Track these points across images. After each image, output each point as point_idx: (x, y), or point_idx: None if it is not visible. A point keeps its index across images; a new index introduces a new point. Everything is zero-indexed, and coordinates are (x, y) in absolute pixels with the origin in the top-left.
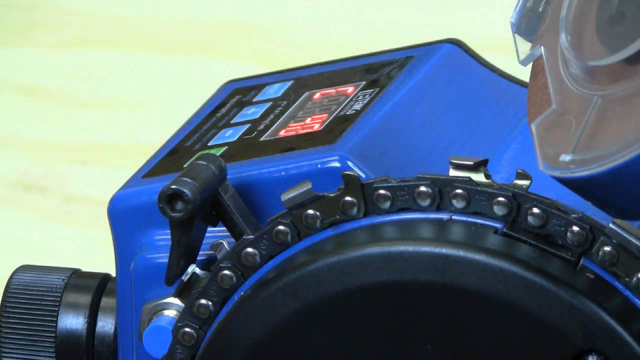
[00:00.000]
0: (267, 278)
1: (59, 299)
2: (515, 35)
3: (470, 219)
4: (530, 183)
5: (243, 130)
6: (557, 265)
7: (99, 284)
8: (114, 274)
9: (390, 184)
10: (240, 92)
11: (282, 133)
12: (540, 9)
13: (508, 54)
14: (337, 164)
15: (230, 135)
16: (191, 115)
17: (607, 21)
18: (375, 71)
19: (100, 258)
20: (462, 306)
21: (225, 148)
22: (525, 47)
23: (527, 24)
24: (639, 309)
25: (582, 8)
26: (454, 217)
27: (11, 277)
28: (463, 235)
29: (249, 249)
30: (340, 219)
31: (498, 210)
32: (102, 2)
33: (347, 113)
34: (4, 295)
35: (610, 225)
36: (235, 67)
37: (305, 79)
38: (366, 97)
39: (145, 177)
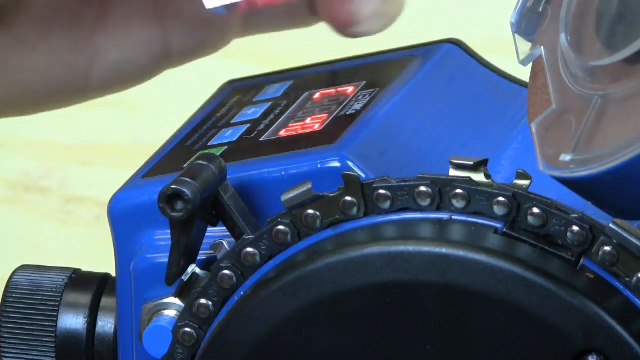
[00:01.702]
0: (267, 278)
1: (59, 299)
2: (515, 35)
3: (470, 219)
4: (530, 183)
5: (243, 130)
6: (557, 265)
7: (99, 284)
8: (114, 274)
9: (390, 184)
10: (240, 92)
11: (282, 133)
12: (540, 9)
13: (508, 54)
14: (337, 164)
15: (230, 135)
16: (191, 115)
17: (607, 21)
18: (375, 71)
19: (100, 258)
20: (462, 306)
21: (225, 148)
22: (525, 47)
23: (527, 24)
24: (639, 308)
25: (582, 8)
26: (454, 217)
27: (11, 277)
28: (463, 235)
29: (249, 249)
30: (340, 219)
31: (498, 210)
32: None
33: (347, 113)
34: (4, 295)
35: (611, 225)
36: (236, 67)
37: (305, 79)
38: (366, 97)
39: (145, 177)
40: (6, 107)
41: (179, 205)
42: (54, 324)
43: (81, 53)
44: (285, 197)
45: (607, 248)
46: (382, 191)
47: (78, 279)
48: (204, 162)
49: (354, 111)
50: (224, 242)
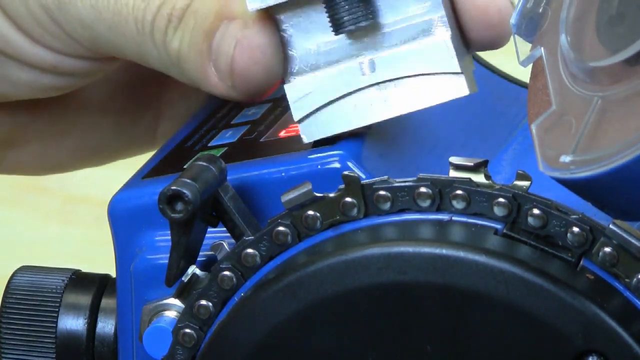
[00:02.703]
0: (267, 279)
1: (59, 300)
2: (516, 36)
3: (470, 220)
4: (531, 184)
5: (243, 131)
6: (557, 266)
7: (99, 285)
8: (114, 275)
9: (390, 185)
10: None
11: (283, 134)
12: (541, 10)
13: (508, 54)
14: (337, 165)
15: (230, 136)
16: (191, 116)
17: (607, 22)
18: None
19: (100, 258)
20: (462, 307)
21: (225, 149)
22: (525, 48)
23: (528, 25)
24: (639, 309)
25: (582, 9)
26: (454, 218)
27: (11, 278)
28: (463, 236)
29: (249, 250)
30: (340, 220)
31: (498, 211)
32: None
33: None
34: (5, 296)
35: (611, 226)
36: None
37: None
38: None
39: (145, 178)
40: (79, 161)
41: (179, 206)
42: (54, 325)
43: (147, 109)
44: (285, 198)
45: (607, 249)
46: (382, 192)
47: (78, 280)
48: (204, 163)
49: None
50: (224, 243)
